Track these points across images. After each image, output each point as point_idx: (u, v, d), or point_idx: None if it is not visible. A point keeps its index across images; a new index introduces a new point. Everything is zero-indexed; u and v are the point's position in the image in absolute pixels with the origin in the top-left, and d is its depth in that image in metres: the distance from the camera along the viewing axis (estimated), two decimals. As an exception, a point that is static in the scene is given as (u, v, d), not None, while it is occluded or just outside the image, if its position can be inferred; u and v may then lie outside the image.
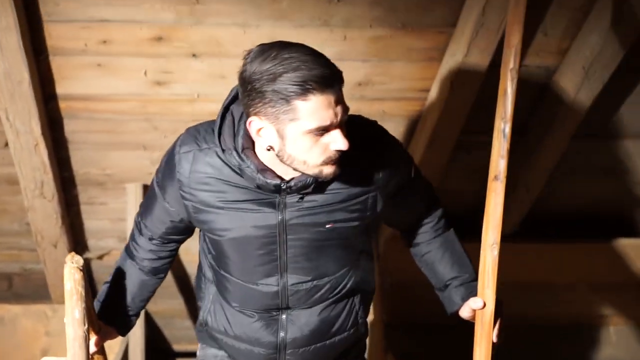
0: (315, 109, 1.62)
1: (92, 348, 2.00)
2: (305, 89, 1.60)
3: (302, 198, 1.80)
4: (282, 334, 1.95)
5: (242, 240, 1.85)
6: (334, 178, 1.77)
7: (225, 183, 1.79)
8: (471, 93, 2.71)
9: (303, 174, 1.74)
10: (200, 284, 2.08)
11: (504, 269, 2.82)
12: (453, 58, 2.62)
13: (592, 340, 3.75)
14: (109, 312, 2.06)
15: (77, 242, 3.32)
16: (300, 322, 1.95)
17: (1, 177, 3.07)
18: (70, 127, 2.89)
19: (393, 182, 1.89)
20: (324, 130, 1.65)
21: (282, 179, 1.77)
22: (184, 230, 2.01)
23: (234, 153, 1.75)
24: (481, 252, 1.96)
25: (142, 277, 2.07)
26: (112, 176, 3.08)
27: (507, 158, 1.93)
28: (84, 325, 1.83)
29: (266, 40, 1.72)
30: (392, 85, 2.73)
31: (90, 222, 3.31)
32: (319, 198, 1.81)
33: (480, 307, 1.95)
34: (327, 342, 2.00)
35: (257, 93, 1.63)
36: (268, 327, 1.95)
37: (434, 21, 2.59)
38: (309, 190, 1.78)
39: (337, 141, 1.67)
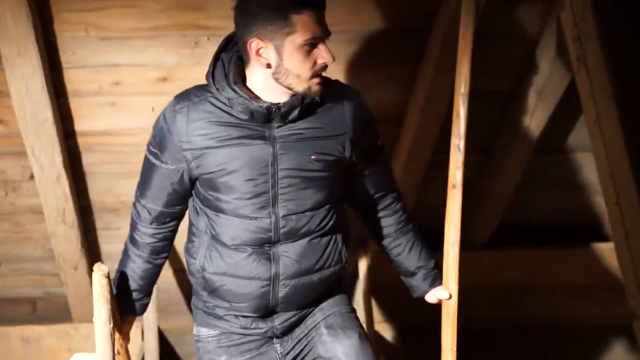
0: (308, 22, 1.87)
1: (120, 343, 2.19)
2: (299, 3, 1.86)
3: (291, 123, 1.98)
4: (274, 267, 2.08)
5: (238, 175, 1.99)
6: (315, 110, 2.00)
7: (219, 124, 1.97)
8: (439, 117, 2.90)
9: (291, 97, 1.96)
10: (192, 239, 2.16)
11: (482, 275, 3.05)
12: (422, 87, 2.82)
13: (570, 341, 3.87)
14: (121, 299, 2.20)
15: (95, 264, 3.51)
16: (290, 254, 2.08)
17: (27, 207, 3.24)
18: (87, 160, 3.09)
19: (362, 134, 2.08)
20: (314, 43, 1.90)
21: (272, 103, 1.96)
22: (183, 195, 2.12)
23: (227, 87, 1.95)
24: (444, 249, 2.20)
25: (146, 262, 2.20)
26: (126, 203, 3.22)
27: (462, 169, 2.18)
28: (110, 324, 2.03)
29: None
30: (369, 111, 2.97)
31: (107, 246, 3.47)
32: (303, 132, 2.00)
33: (446, 298, 2.20)
34: (315, 275, 2.13)
35: (256, 16, 1.87)
36: (261, 261, 2.07)
37: (404, 54, 2.82)
38: (296, 113, 1.97)
39: (324, 54, 1.91)
